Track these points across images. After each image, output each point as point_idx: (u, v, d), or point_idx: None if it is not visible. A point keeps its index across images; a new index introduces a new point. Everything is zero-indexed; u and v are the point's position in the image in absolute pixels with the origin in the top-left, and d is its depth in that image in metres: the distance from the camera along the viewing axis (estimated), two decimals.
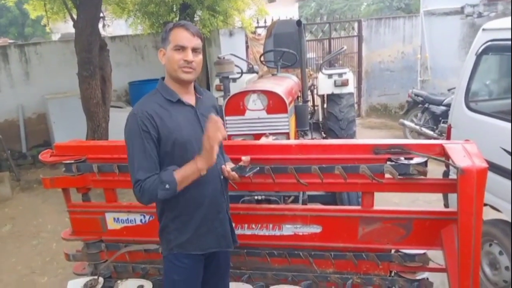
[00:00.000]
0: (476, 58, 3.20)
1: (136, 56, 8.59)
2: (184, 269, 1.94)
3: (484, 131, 3.00)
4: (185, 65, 1.83)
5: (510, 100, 3.33)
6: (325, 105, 5.19)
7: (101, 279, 2.59)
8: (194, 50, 1.85)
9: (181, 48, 1.82)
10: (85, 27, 5.44)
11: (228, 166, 2.03)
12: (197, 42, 1.86)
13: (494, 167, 2.75)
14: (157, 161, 1.82)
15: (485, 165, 1.82)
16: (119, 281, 2.59)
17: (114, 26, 9.99)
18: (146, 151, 1.79)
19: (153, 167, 1.80)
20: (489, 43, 3.09)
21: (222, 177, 2.00)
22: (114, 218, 2.60)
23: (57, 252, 4.07)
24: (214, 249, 1.99)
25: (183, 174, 1.76)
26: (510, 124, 2.77)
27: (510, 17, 3.03)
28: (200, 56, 1.90)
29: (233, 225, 2.12)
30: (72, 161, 2.53)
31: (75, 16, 5.65)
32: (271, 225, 2.44)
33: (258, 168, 2.15)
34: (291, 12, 12.53)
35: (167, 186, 1.74)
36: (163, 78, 1.97)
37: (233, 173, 1.97)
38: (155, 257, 2.59)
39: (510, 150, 2.72)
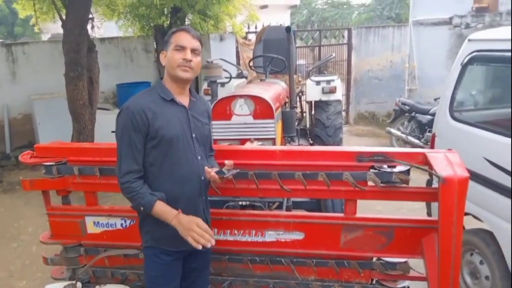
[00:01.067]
0: (462, 68, 3.23)
1: (125, 59, 8.53)
2: (161, 265, 1.99)
3: (468, 141, 3.02)
4: (183, 63, 1.93)
5: (494, 111, 3.38)
6: (312, 112, 5.21)
7: (79, 284, 2.54)
8: (193, 51, 1.95)
9: (181, 48, 1.92)
10: (74, 27, 5.39)
11: (214, 169, 2.04)
12: (196, 44, 1.97)
13: (477, 177, 2.77)
14: (142, 154, 1.92)
15: (466, 174, 1.83)
16: (97, 286, 2.54)
17: (105, 28, 9.96)
18: (133, 144, 1.89)
19: (138, 160, 1.91)
20: (475, 53, 3.12)
21: (202, 177, 2.01)
22: (94, 222, 2.56)
23: (37, 256, 3.97)
24: (187, 248, 1.98)
25: (160, 212, 1.90)
26: (495, 135, 2.79)
27: (495, 29, 3.07)
28: (199, 58, 2.00)
29: (210, 226, 2.11)
30: (53, 163, 2.49)
31: (64, 17, 5.60)
32: (253, 231, 2.42)
33: (238, 170, 2.13)
34: (283, 19, 12.58)
35: (141, 208, 1.91)
36: (161, 78, 2.08)
37: (214, 174, 1.98)
38: (135, 262, 2.55)
39: (494, 161, 2.74)
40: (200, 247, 1.81)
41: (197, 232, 1.83)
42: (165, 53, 1.97)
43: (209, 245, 1.83)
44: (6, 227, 4.89)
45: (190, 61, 1.92)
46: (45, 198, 2.60)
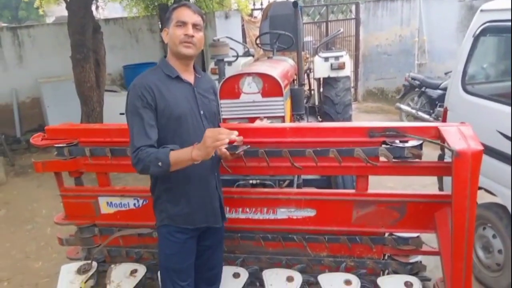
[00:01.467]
0: (474, 40, 3.16)
1: (130, 39, 8.48)
2: (176, 243, 2.00)
3: (481, 114, 2.97)
4: (185, 39, 1.88)
5: (507, 83, 3.31)
6: (321, 89, 5.15)
7: (94, 264, 2.59)
8: (195, 26, 1.91)
9: (182, 24, 1.88)
10: (78, 9, 5.35)
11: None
12: (197, 19, 1.92)
13: (490, 151, 2.74)
14: (155, 130, 1.87)
15: (480, 147, 1.80)
16: (112, 266, 2.59)
17: (109, 9, 9.87)
18: (144, 119, 1.84)
19: (151, 135, 1.84)
20: (487, 24, 3.04)
21: (213, 154, 1.99)
22: (107, 202, 2.59)
23: (52, 237, 4.06)
24: (202, 225, 2.03)
25: (177, 158, 1.79)
26: (509, 107, 2.74)
27: None
28: (201, 34, 1.96)
29: (223, 202, 2.14)
30: (64, 145, 2.50)
31: None
32: (265, 209, 2.43)
33: (249, 146, 2.12)
34: None
35: (159, 163, 1.77)
36: (165, 56, 2.03)
37: (225, 150, 1.97)
38: (149, 241, 2.58)
39: (507, 134, 2.70)
40: (226, 142, 1.75)
41: (214, 137, 1.73)
42: (167, 30, 1.94)
43: (233, 137, 1.78)
44: (20, 210, 4.97)
45: (192, 36, 1.89)
46: (58, 180, 2.63)
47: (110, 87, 7.57)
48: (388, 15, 9.08)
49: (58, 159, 2.54)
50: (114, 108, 5.46)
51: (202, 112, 1.99)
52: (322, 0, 11.59)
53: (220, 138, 1.72)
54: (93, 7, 6.02)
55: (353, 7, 9.24)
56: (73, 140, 2.52)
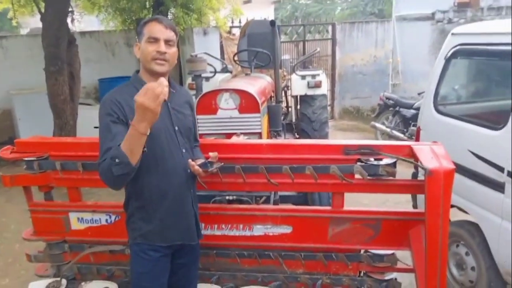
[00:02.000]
0: (445, 62, 3.26)
1: (106, 53, 8.38)
2: (149, 261, 1.93)
3: (452, 134, 3.05)
4: (158, 56, 1.84)
5: (478, 104, 3.42)
6: (298, 106, 5.20)
7: (64, 281, 2.50)
8: (167, 42, 1.86)
9: (154, 40, 1.84)
10: (53, 21, 5.27)
11: (198, 161, 2.02)
12: (170, 35, 1.87)
13: (462, 169, 2.80)
14: None
15: (452, 166, 1.84)
16: (83, 283, 2.50)
17: (85, 22, 9.77)
18: (111, 134, 1.76)
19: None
20: (458, 47, 3.15)
21: (189, 170, 1.98)
22: (78, 218, 2.51)
23: (20, 253, 3.88)
24: (177, 242, 1.98)
25: (128, 144, 1.65)
26: (479, 128, 2.82)
27: (478, 23, 3.10)
28: (174, 49, 1.91)
29: (198, 219, 2.09)
30: (34, 158, 2.43)
31: (43, 10, 5.46)
32: (241, 226, 2.40)
33: (223, 164, 2.11)
34: (266, 14, 12.54)
35: (117, 160, 1.64)
36: (137, 71, 1.97)
37: (197, 167, 1.95)
38: (121, 258, 2.51)
39: (478, 154, 2.77)
40: (166, 91, 1.59)
41: (152, 89, 1.56)
42: (139, 45, 1.88)
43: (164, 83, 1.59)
44: None
45: (165, 53, 1.84)
46: (26, 194, 2.54)
47: (85, 100, 7.44)
48: (363, 36, 9.32)
49: (27, 173, 2.45)
50: (89, 121, 5.34)
51: (176, 128, 1.96)
52: (300, 20, 11.80)
53: (157, 91, 1.55)
54: (69, 20, 5.95)
55: (330, 28, 9.43)
56: (43, 153, 2.44)
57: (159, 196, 1.90)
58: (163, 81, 1.61)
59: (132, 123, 1.62)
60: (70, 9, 5.89)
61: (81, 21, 8.45)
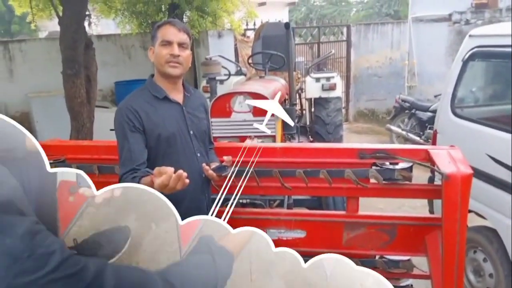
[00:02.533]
0: (463, 64, 3.21)
1: (123, 56, 8.48)
2: None
3: (470, 137, 3.00)
4: (171, 59, 1.84)
5: (496, 107, 3.36)
6: (312, 109, 5.18)
7: None
8: (181, 45, 1.86)
9: (167, 43, 1.84)
10: (70, 24, 5.34)
11: (212, 165, 2.01)
12: (183, 37, 1.87)
13: (479, 174, 2.75)
14: (144, 151, 1.82)
15: (470, 171, 1.81)
16: None
17: (102, 25, 9.89)
18: (130, 143, 1.80)
19: (137, 158, 1.80)
20: (476, 49, 3.10)
21: (203, 175, 1.98)
22: None
23: None
24: None
25: (144, 183, 1.63)
26: (498, 131, 2.77)
27: (496, 24, 3.04)
28: (188, 52, 1.91)
29: None
30: (51, 161, 2.45)
31: (61, 14, 5.55)
32: None
33: (237, 168, 2.10)
34: (281, 16, 12.54)
35: None
36: (152, 75, 1.99)
37: (212, 172, 1.94)
38: None
39: (496, 157, 2.72)
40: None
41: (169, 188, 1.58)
42: (153, 49, 1.90)
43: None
44: None
45: (178, 56, 1.84)
46: None
47: (101, 103, 7.53)
48: (378, 38, 9.24)
49: None
50: (105, 124, 5.40)
51: (191, 132, 1.97)
52: (314, 22, 11.77)
53: (176, 187, 1.58)
54: (86, 23, 6.02)
55: (345, 30, 9.38)
56: (60, 156, 2.47)
57: (175, 202, 1.89)
58: (183, 175, 1.57)
59: (153, 179, 1.59)
60: (87, 13, 5.95)
61: (98, 25, 8.55)
